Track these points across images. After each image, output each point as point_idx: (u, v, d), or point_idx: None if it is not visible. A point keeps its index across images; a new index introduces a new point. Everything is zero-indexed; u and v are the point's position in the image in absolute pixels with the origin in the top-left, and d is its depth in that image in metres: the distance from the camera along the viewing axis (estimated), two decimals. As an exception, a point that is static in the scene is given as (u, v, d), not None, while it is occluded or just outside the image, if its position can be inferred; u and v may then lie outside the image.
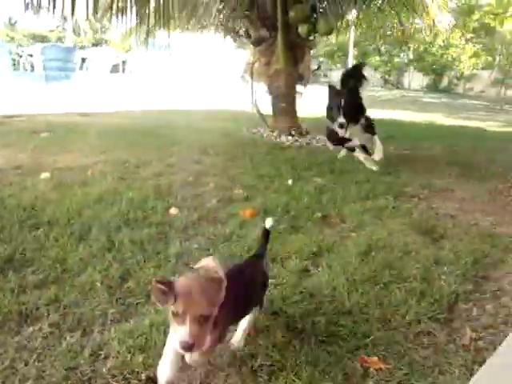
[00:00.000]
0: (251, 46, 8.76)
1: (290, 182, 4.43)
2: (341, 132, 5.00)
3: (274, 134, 7.38)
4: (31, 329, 2.02)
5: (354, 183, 4.53)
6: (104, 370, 1.76)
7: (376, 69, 30.31)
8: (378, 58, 29.79)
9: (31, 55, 16.43)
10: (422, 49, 28.27)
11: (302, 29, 7.29)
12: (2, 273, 2.49)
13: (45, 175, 4.35)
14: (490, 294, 2.56)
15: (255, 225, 3.21)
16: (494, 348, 2.03)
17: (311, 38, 7.77)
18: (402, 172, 5.24)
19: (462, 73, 27.90)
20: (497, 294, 2.57)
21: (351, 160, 5.69)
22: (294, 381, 1.72)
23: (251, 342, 1.94)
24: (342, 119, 4.90)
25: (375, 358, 1.91)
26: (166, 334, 1.95)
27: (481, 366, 1.87)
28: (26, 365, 1.78)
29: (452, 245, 3.16)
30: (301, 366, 1.80)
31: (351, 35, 15.98)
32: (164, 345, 1.67)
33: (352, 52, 16.76)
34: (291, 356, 1.87)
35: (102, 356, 1.84)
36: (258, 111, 7.75)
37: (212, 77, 18.70)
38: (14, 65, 16.43)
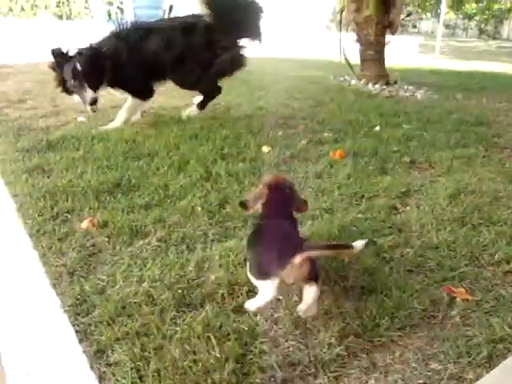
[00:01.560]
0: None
1: (377, 127, 4.43)
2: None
3: (362, 82, 7.29)
4: (141, 242, 2.26)
5: (442, 131, 4.44)
6: (210, 278, 1.95)
7: (471, 17, 28.35)
8: (474, 5, 27.71)
9: (122, 2, 16.80)
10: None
11: (395, -28, 7.02)
12: (112, 195, 2.76)
13: (170, 113, 4.77)
14: None
15: (345, 165, 3.29)
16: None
17: (404, -18, 7.47)
18: (494, 123, 5.05)
19: None
20: None
21: (439, 109, 5.56)
22: (383, 301, 1.83)
23: (344, 265, 2.07)
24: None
25: (462, 290, 1.97)
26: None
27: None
28: (140, 270, 2.02)
29: (547, 196, 3.08)
30: (390, 289, 1.90)
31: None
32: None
33: (445, -1, 15.79)
34: (381, 280, 1.97)
35: (206, 267, 2.04)
36: (346, 59, 7.63)
37: (296, 25, 18.37)
38: (109, 14, 16.91)
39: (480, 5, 27.43)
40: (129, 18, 15.76)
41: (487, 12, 27.31)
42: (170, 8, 17.19)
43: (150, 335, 1.62)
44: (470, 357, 1.60)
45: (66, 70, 3.88)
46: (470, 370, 1.55)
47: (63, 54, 3.90)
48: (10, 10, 20.99)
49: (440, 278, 2.05)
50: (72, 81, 3.88)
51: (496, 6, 27.14)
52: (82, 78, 3.84)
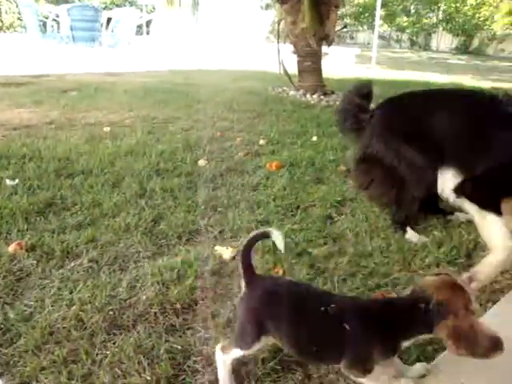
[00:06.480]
0: (277, 5, 8.62)
1: (314, 138, 4.50)
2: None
3: (300, 92, 7.40)
4: (73, 263, 2.19)
5: (377, 140, 4.56)
6: (142, 298, 1.91)
7: (403, 30, 29.50)
8: (405, 18, 28.91)
9: (58, 15, 16.42)
10: (452, 8, 27.31)
11: (329, -14, 7.19)
12: (43, 215, 2.66)
13: (106, 129, 4.59)
14: (509, 243, 2.63)
15: (281, 176, 3.32)
16: (508, 289, 2.12)
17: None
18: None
19: (495, 33, 26.87)
20: (516, 244, 2.63)
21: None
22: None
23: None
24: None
25: (394, 295, 2.01)
26: (196, 271, 2.10)
27: (494, 304, 1.98)
28: (70, 292, 1.94)
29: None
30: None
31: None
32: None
33: (379, 13, 16.31)
34: (315, 291, 1.98)
35: (139, 287, 2.00)
36: (284, 70, 7.73)
37: (237, 37, 18.53)
38: (44, 25, 16.48)
39: (411, 18, 28.63)
40: (65, 32, 15.46)
41: (417, 25, 28.51)
42: (108, 21, 16.98)
43: (79, 361, 1.56)
44: (404, 363, 1.63)
45: None
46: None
47: None
48: None
49: (373, 284, 2.09)
50: None
51: (425, 21, 28.40)
52: None
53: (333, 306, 1.39)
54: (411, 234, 2.62)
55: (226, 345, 1.49)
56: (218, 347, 1.50)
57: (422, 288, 1.38)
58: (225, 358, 1.48)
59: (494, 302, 2.02)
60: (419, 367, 1.55)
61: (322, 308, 1.39)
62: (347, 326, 1.36)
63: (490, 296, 2.09)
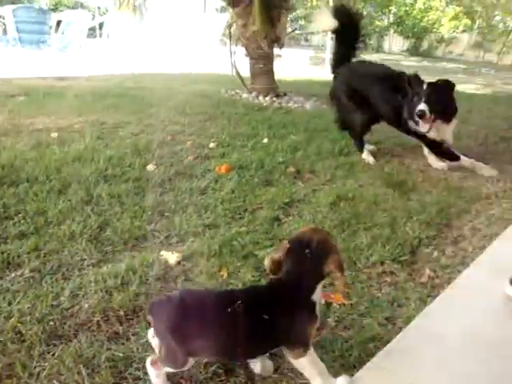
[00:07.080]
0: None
1: (265, 140, 4.52)
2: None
3: (252, 95, 7.43)
4: (13, 274, 2.12)
5: (328, 141, 4.63)
6: (84, 306, 1.87)
7: (357, 32, 30.08)
8: (358, 21, 29.52)
9: (3, 17, 15.84)
10: (402, 12, 28.01)
11: (279, -11, 7.25)
12: (-17, 225, 2.57)
13: (54, 135, 4.46)
14: (451, 240, 2.73)
15: (230, 179, 3.32)
16: (448, 284, 2.20)
17: (288, -1, 7.74)
18: (376, 131, 5.33)
19: (442, 36, 27.75)
20: (457, 240, 2.73)
21: (326, 118, 5.77)
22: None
23: (222, 281, 2.08)
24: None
25: (339, 295, 2.05)
26: (141, 277, 2.08)
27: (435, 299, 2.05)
28: (9, 304, 1.89)
29: (420, 196, 3.31)
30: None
31: (331, -2, 15.75)
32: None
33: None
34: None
35: (82, 295, 1.96)
36: (237, 73, 7.74)
37: (192, 40, 18.42)
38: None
39: (363, 20, 29.18)
40: (11, 34, 14.96)
41: (370, 27, 29.11)
42: (58, 23, 16.52)
43: (15, 376, 1.52)
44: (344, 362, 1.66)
45: None
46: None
47: None
48: None
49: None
50: None
51: (377, 23, 29.00)
52: None
53: (239, 302, 1.42)
54: (366, 155, 4.25)
55: (156, 360, 1.48)
56: (148, 361, 1.49)
57: (298, 238, 1.50)
58: (156, 372, 1.47)
59: (434, 297, 2.09)
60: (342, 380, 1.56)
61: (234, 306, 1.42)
62: (265, 316, 1.41)
63: (430, 291, 2.16)
